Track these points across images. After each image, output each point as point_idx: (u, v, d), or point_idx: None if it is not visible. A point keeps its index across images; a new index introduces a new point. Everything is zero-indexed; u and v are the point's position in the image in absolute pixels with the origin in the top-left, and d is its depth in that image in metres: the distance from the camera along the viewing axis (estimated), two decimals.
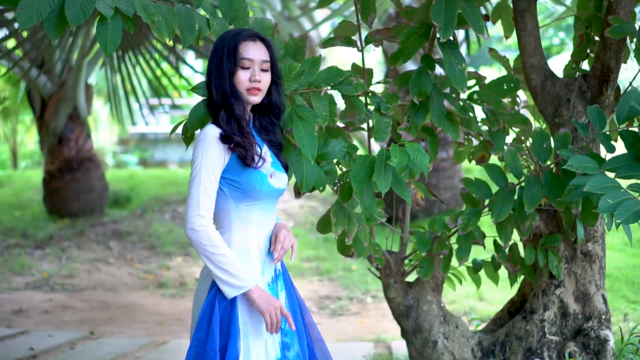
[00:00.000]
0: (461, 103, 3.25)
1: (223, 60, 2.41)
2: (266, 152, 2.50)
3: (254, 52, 2.42)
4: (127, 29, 2.52)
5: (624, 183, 2.78)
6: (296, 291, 2.63)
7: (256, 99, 2.44)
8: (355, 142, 7.57)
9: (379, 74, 13.64)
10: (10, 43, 9.28)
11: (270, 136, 2.53)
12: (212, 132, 2.38)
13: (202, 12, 2.89)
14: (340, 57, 17.01)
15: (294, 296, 2.59)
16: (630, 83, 3.32)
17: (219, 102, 2.41)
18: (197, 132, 2.69)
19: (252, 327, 2.41)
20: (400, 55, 3.18)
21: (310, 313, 2.68)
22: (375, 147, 6.27)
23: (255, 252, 2.45)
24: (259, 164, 2.41)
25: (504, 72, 3.67)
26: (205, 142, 2.36)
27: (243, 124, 2.41)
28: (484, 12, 5.05)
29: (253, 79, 2.41)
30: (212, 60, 2.44)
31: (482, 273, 3.69)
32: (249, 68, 2.42)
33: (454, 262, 3.59)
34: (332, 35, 3.39)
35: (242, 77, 2.41)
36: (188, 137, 2.78)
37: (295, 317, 2.53)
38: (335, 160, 3.00)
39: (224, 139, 2.37)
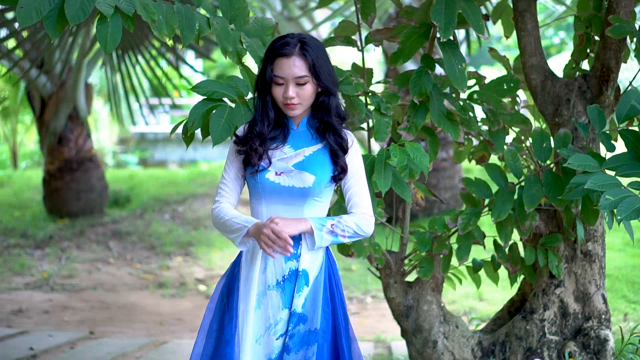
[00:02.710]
0: (461, 103, 3.25)
1: (259, 76, 2.48)
2: (308, 150, 2.49)
3: (287, 69, 2.41)
4: (127, 28, 2.52)
5: (625, 182, 2.79)
6: (336, 295, 2.54)
7: (294, 112, 2.47)
8: None
9: (379, 74, 13.64)
10: (11, 43, 9.28)
11: (326, 136, 2.50)
12: (237, 132, 2.56)
13: (203, 11, 2.89)
14: (340, 57, 17.00)
15: (328, 299, 2.52)
16: (630, 83, 3.32)
17: (253, 111, 2.53)
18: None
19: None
20: (400, 55, 3.18)
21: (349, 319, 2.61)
22: (375, 147, 6.26)
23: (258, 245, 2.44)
24: (265, 165, 2.45)
25: (504, 72, 3.67)
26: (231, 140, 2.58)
27: (255, 140, 2.46)
28: (484, 12, 5.06)
29: (285, 95, 2.43)
30: (258, 71, 2.51)
31: (482, 273, 3.69)
32: (283, 84, 2.43)
33: (454, 262, 3.59)
34: (332, 35, 3.39)
35: (277, 93, 2.45)
36: (188, 137, 2.78)
37: (326, 321, 2.50)
38: None
39: (236, 141, 2.51)
